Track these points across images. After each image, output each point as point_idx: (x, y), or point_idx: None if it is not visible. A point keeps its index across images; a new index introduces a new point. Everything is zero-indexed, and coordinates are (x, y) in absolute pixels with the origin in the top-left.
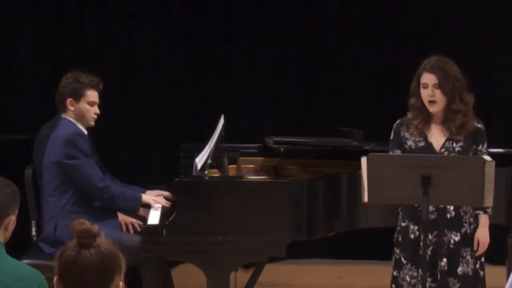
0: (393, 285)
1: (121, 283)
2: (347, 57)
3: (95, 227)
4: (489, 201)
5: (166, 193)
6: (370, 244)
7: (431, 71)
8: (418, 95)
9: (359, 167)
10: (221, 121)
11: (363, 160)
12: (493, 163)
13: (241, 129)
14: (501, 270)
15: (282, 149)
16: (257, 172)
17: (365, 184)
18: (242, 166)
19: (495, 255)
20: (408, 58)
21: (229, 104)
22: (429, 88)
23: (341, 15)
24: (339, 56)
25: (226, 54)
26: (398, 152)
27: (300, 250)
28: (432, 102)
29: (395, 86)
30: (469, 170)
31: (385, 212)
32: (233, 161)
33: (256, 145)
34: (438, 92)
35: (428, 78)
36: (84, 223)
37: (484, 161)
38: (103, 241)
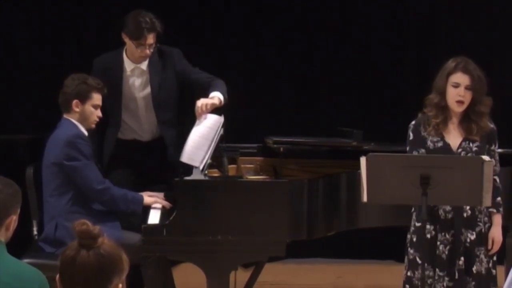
0: (407, 286)
1: (120, 285)
2: (347, 57)
3: (96, 228)
4: (487, 200)
5: (156, 194)
6: (370, 244)
7: (466, 72)
8: (444, 94)
9: (358, 167)
10: (221, 120)
11: (363, 160)
12: (492, 162)
13: (241, 129)
14: (500, 270)
15: (282, 149)
16: (257, 172)
17: (365, 184)
18: (242, 166)
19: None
20: (408, 58)
21: (229, 104)
22: (461, 88)
23: (341, 14)
24: (339, 56)
25: (225, 54)
26: (423, 151)
27: (300, 250)
28: (460, 102)
29: (395, 86)
30: (468, 170)
31: (384, 212)
32: (233, 161)
33: (256, 145)
34: (468, 93)
35: (461, 79)
36: (85, 224)
37: (483, 161)
38: (105, 242)
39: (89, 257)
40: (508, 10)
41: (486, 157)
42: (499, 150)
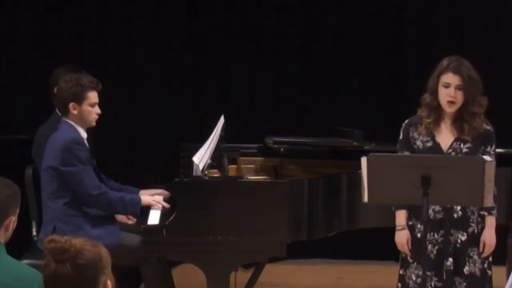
0: (399, 284)
1: (108, 282)
2: (347, 57)
3: (66, 240)
4: (489, 201)
5: (159, 191)
6: (370, 244)
7: (456, 72)
8: (436, 94)
9: (359, 167)
10: (221, 121)
11: (363, 160)
12: (493, 163)
13: (241, 129)
14: (501, 270)
15: (282, 149)
16: (257, 172)
17: (365, 184)
18: (242, 166)
19: (494, 255)
20: (408, 58)
21: (229, 104)
22: (451, 88)
23: (341, 15)
24: (339, 56)
25: (226, 54)
26: (406, 153)
27: (300, 250)
28: (451, 102)
29: (395, 86)
30: (469, 170)
31: (385, 212)
32: (233, 161)
33: (256, 145)
34: (459, 94)
35: (451, 79)
36: (53, 241)
37: (484, 161)
38: (78, 247)
39: (68, 271)
40: (509, 10)
41: (487, 157)
42: (500, 150)
